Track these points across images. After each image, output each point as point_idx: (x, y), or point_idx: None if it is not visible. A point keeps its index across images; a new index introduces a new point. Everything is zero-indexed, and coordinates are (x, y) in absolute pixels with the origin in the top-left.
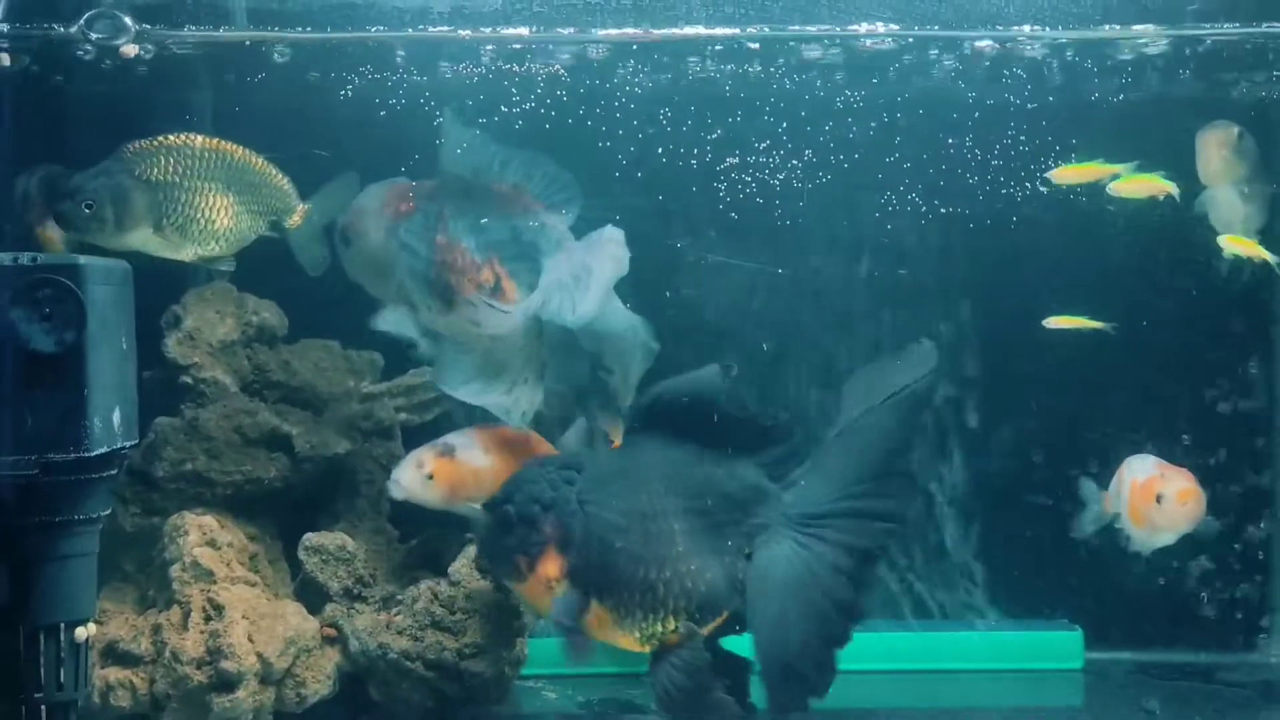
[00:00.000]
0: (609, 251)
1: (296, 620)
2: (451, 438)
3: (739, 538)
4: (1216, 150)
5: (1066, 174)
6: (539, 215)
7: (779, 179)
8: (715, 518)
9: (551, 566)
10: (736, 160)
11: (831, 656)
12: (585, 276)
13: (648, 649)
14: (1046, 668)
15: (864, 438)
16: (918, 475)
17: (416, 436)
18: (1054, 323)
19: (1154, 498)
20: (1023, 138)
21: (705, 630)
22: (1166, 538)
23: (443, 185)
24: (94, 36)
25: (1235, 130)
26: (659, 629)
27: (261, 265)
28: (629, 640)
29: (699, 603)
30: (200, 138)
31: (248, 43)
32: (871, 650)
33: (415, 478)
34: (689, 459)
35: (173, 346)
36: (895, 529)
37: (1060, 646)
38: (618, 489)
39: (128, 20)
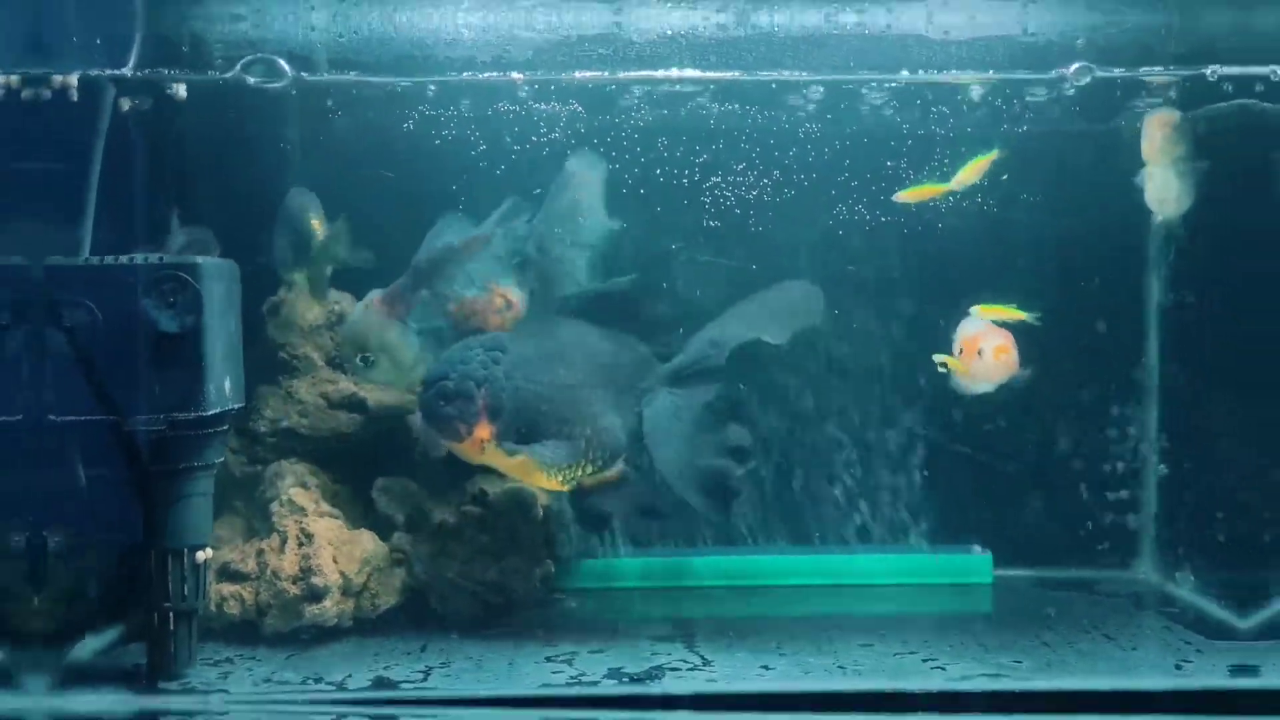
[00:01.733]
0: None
1: (371, 545)
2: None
3: (632, 398)
4: (1159, 130)
5: (907, 195)
6: (469, 230)
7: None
8: (616, 384)
9: (484, 430)
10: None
11: (721, 471)
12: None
13: (567, 489)
14: (965, 582)
15: (714, 330)
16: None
17: None
18: (983, 312)
19: (976, 352)
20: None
21: (614, 472)
22: (985, 386)
23: (412, 277)
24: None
25: (1177, 115)
26: (577, 474)
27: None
28: (552, 483)
29: (610, 451)
30: None
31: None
32: (820, 568)
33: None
34: (595, 339)
35: (272, 329)
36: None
37: (975, 566)
38: (540, 366)
39: (283, 64)
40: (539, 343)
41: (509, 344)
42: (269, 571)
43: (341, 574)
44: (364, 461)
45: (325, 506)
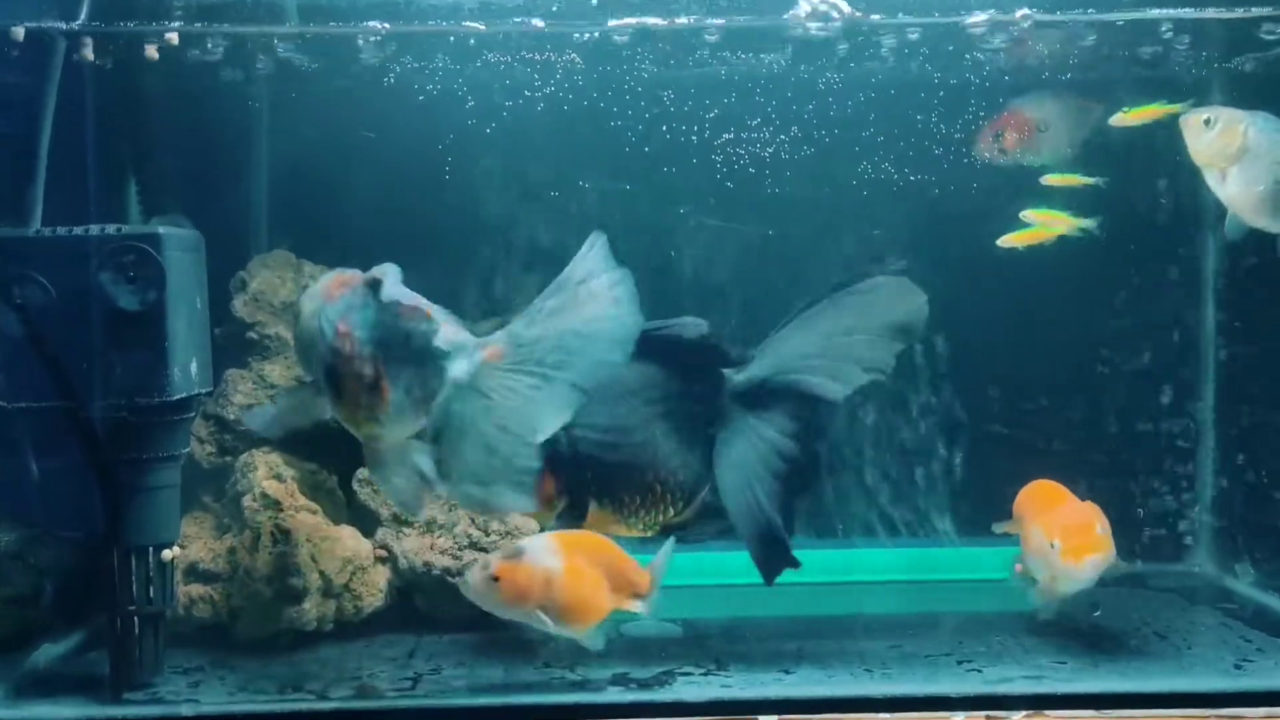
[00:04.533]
0: None
1: (352, 543)
2: (524, 542)
3: (702, 423)
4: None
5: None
6: (436, 324)
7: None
8: (686, 412)
9: (549, 487)
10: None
11: (784, 513)
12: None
13: (650, 534)
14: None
15: (802, 329)
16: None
17: None
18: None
19: (1050, 543)
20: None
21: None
22: (1071, 585)
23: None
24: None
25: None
26: (660, 518)
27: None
28: (633, 531)
29: (689, 488)
30: None
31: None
32: (864, 564)
33: (480, 579)
34: (654, 365)
35: (240, 307)
36: (829, 396)
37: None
38: (596, 409)
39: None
40: None
41: None
42: (242, 571)
43: (321, 574)
44: (344, 450)
45: (302, 500)
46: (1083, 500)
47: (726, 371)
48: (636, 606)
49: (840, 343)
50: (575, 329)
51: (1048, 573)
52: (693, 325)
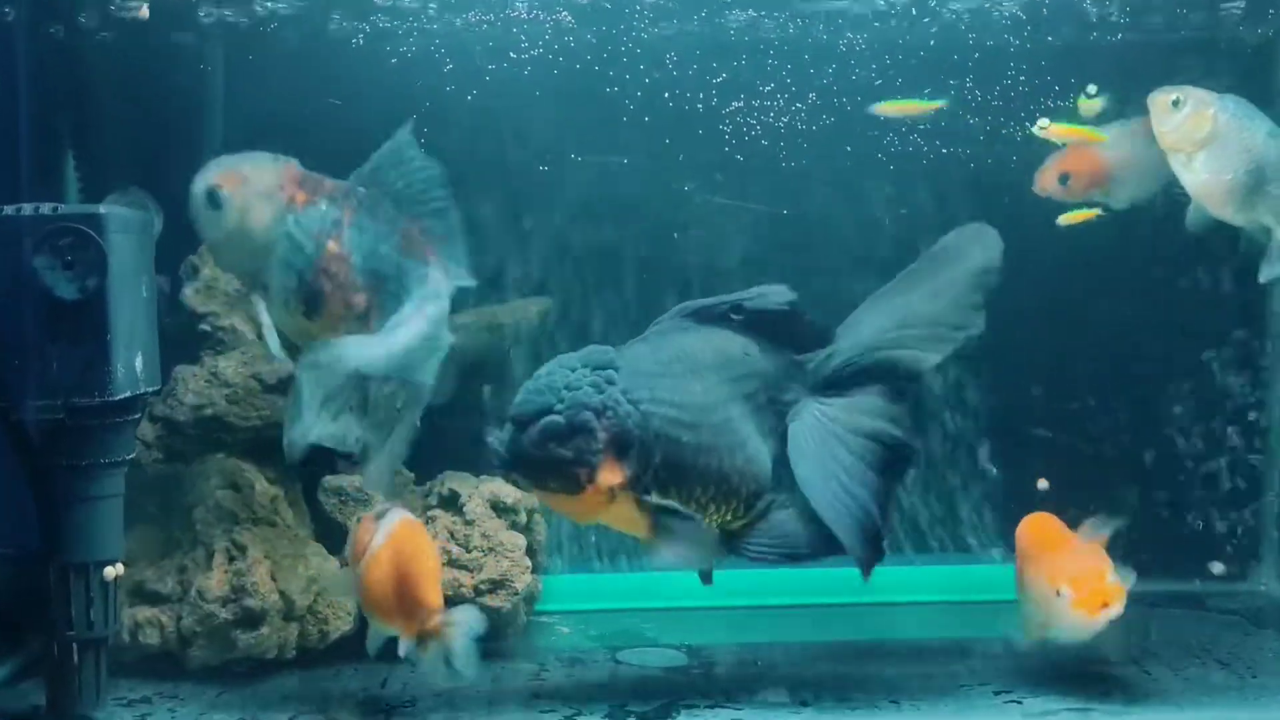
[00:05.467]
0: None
1: (316, 560)
2: (394, 510)
3: (775, 415)
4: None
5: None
6: (428, 265)
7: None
8: (755, 399)
9: (611, 474)
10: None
11: (881, 503)
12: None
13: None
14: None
15: (879, 304)
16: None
17: None
18: (1055, 133)
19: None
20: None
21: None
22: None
23: (354, 194)
24: None
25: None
26: (727, 517)
27: None
28: None
29: (760, 484)
30: None
31: None
32: (892, 582)
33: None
34: (721, 341)
35: (191, 295)
36: (921, 366)
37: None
38: (667, 382)
39: None
40: (655, 351)
41: (618, 357)
42: (193, 592)
43: (281, 594)
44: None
45: (261, 512)
46: (1090, 528)
47: (803, 357)
48: (402, 642)
49: (922, 309)
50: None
51: (1045, 618)
52: (776, 295)
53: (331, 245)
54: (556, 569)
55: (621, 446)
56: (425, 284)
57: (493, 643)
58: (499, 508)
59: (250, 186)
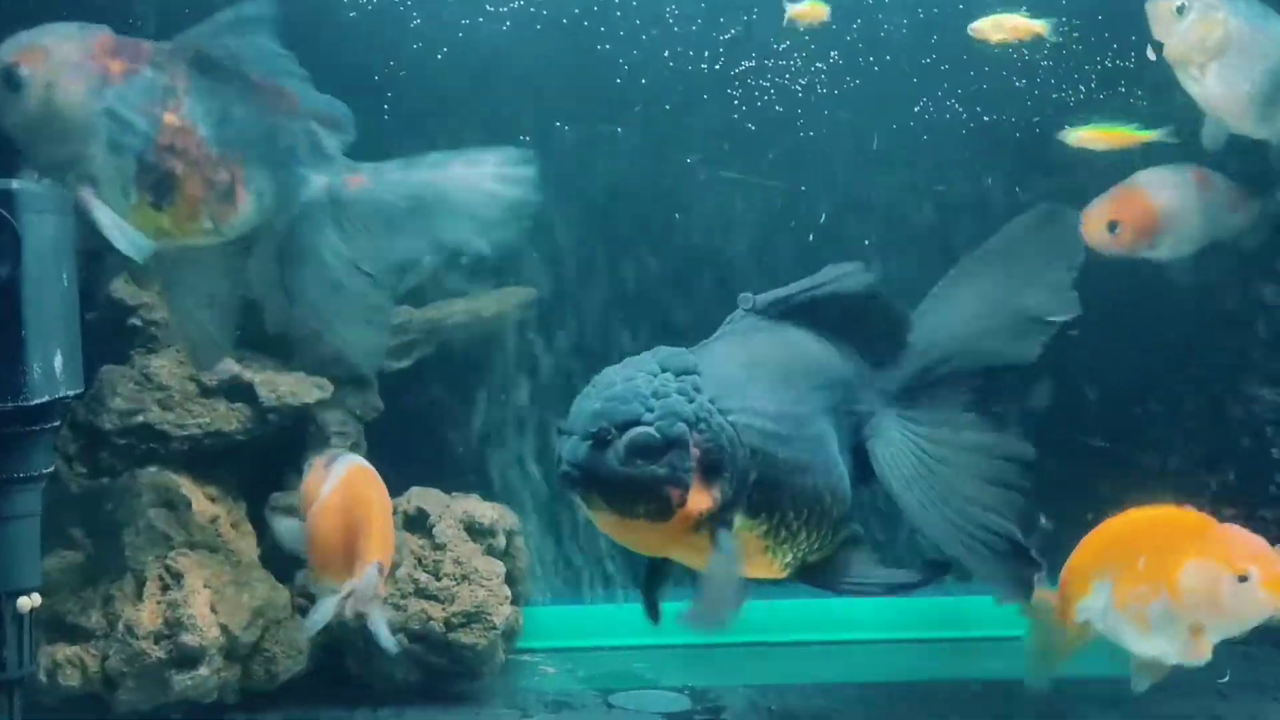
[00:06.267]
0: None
1: (264, 589)
2: (345, 457)
3: (849, 430)
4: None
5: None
6: (308, 121)
7: None
8: (839, 410)
9: (704, 497)
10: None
11: (1011, 515)
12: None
13: (785, 575)
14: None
15: (950, 300)
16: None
17: (393, 382)
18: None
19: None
20: None
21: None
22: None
23: (182, 54)
24: None
25: None
26: (812, 546)
27: None
28: (772, 568)
29: (847, 507)
30: None
31: None
32: (914, 617)
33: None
34: (809, 348)
35: (120, 286)
36: (1018, 361)
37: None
38: (755, 390)
39: None
40: (736, 354)
41: (696, 359)
42: (121, 626)
43: (223, 629)
44: (253, 471)
45: (199, 534)
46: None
47: (868, 367)
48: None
49: (1006, 297)
50: (438, 185)
51: (1212, 611)
52: (854, 277)
53: (169, 118)
54: (540, 599)
55: (714, 465)
56: (319, 147)
57: (467, 684)
58: (474, 529)
59: (54, 60)
